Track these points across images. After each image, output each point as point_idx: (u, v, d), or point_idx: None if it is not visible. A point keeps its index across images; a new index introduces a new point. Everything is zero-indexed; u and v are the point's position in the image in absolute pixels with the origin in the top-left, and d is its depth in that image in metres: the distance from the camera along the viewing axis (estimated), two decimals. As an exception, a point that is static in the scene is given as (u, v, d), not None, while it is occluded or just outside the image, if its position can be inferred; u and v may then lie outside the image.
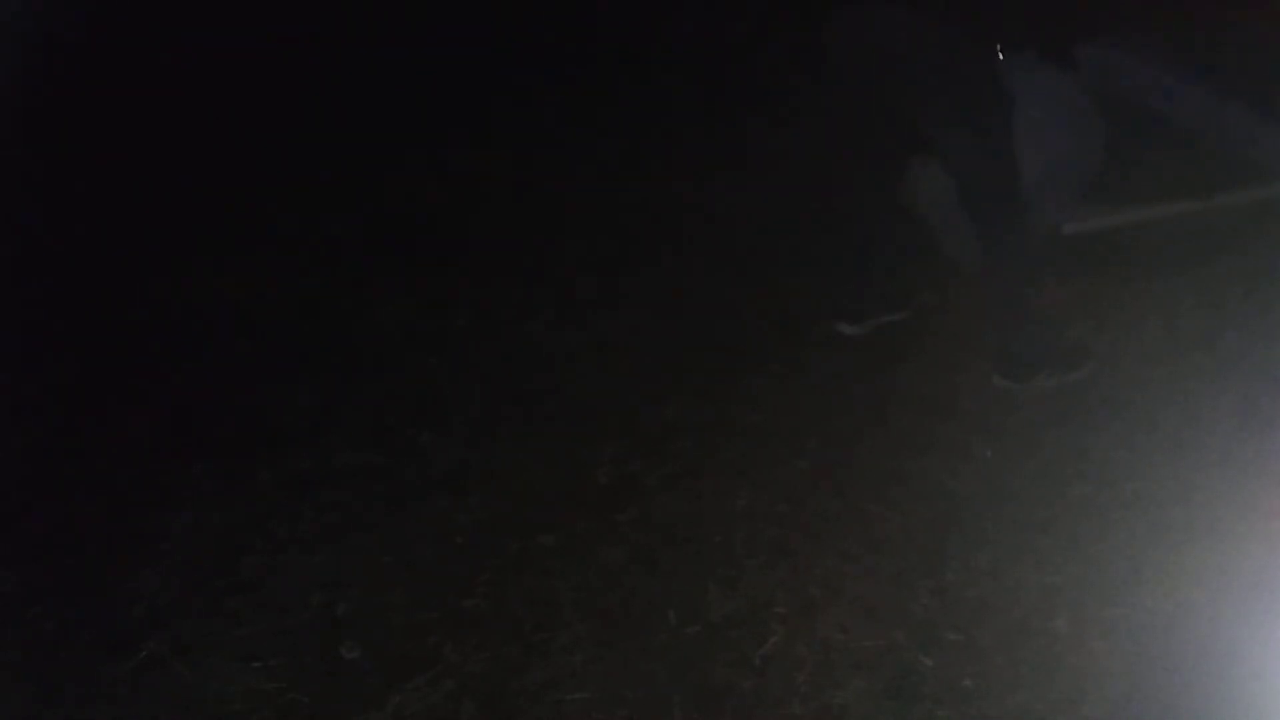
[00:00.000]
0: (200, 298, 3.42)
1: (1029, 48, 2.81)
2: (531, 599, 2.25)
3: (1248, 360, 2.69)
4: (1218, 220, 3.17)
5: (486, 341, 3.13)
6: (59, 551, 2.48)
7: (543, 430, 2.76)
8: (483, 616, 2.22)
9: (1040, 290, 2.77)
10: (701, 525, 2.40)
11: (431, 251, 3.60)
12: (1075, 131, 3.04)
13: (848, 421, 2.67)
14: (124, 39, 5.07)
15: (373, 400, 2.91)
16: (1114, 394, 2.66)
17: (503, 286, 3.37)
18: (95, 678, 2.15)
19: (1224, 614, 2.04)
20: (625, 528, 2.41)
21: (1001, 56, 2.59)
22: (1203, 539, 2.21)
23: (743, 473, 2.54)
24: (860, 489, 2.45)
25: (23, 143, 4.25)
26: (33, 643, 2.24)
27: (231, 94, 4.65)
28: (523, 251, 3.56)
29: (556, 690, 2.04)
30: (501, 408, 2.85)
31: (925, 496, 2.42)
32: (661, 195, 3.78)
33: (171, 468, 2.71)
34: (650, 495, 2.50)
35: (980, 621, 2.10)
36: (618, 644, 2.13)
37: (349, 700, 2.06)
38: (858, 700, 1.97)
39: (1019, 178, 2.66)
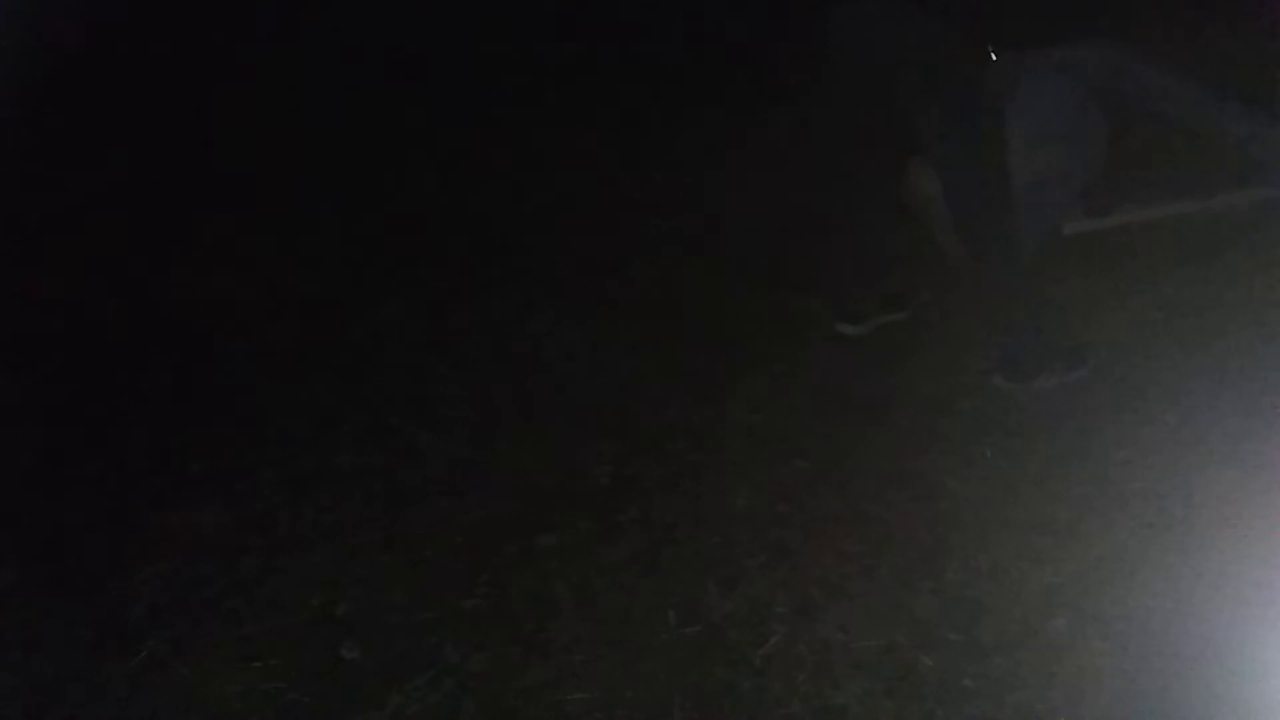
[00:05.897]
0: (200, 298, 3.42)
1: (1030, 47, 2.81)
2: (531, 599, 2.25)
3: (1248, 360, 2.69)
4: (1218, 220, 3.17)
5: (486, 341, 3.13)
6: (59, 551, 2.49)
7: (543, 430, 2.76)
8: (483, 616, 2.23)
9: (1040, 290, 2.77)
10: (701, 525, 2.41)
11: (431, 251, 3.60)
12: (1075, 131, 3.04)
13: (848, 421, 2.67)
14: (122, 36, 5.08)
15: (373, 400, 2.91)
16: (1114, 394, 2.66)
17: (502, 286, 3.37)
18: (95, 678, 2.15)
19: (1224, 614, 2.04)
20: (625, 528, 2.41)
21: (1002, 56, 2.59)
22: (1203, 539, 2.21)
23: (743, 473, 2.54)
24: (860, 489, 2.45)
25: (23, 141, 4.25)
26: (33, 643, 2.24)
27: (231, 93, 4.64)
28: (523, 251, 3.55)
29: (556, 690, 2.05)
30: (501, 408, 2.85)
31: (925, 496, 2.42)
32: (661, 194, 3.78)
33: (171, 468, 2.71)
34: (650, 495, 2.50)
35: (980, 621, 2.10)
36: (618, 644, 2.13)
37: (349, 700, 2.06)
38: (858, 700, 1.97)
39: (1019, 178, 2.66)
